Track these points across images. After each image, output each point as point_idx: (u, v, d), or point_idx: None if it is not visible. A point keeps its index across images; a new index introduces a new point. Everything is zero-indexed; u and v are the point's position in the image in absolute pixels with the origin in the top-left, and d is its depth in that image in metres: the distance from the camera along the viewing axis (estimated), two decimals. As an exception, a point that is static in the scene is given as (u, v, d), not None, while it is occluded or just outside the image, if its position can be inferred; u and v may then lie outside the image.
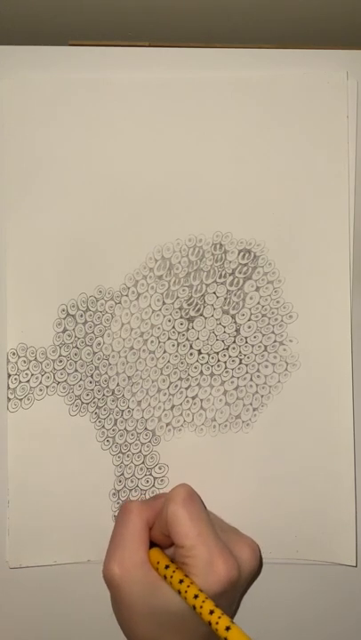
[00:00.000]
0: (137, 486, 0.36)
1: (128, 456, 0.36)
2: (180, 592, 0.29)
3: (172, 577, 0.30)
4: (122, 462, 0.36)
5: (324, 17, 0.40)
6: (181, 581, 0.29)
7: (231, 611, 0.34)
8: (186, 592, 0.29)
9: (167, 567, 0.30)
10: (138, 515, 0.32)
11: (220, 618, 0.27)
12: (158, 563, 0.31)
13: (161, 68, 0.37)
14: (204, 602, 0.28)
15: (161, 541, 0.32)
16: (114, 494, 0.36)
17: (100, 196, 0.36)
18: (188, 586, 0.29)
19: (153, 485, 0.36)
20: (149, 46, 0.37)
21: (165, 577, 0.30)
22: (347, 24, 0.41)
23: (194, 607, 0.28)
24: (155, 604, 0.30)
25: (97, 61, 0.37)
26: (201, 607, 0.28)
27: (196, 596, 0.28)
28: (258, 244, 0.36)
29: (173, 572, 0.30)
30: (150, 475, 0.36)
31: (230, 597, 0.32)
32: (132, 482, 0.36)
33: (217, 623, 0.27)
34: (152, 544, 0.32)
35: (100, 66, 0.37)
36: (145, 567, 0.31)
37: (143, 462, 0.36)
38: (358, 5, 0.39)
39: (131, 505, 0.33)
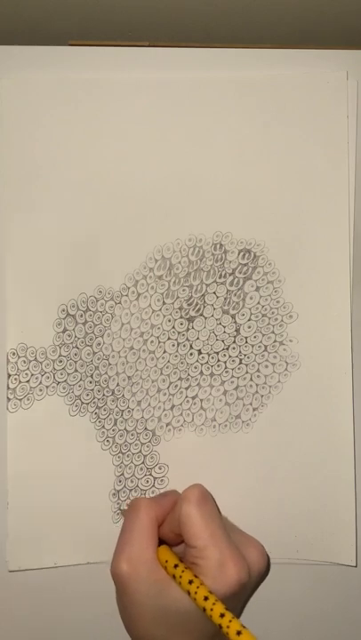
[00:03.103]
0: (137, 486, 0.36)
1: (128, 456, 0.36)
2: (189, 592, 0.29)
3: (181, 577, 0.29)
4: (122, 462, 0.36)
5: (324, 17, 0.40)
6: (191, 582, 0.29)
7: (236, 613, 0.34)
8: (196, 593, 0.28)
9: (176, 566, 0.30)
10: (147, 512, 0.32)
11: (230, 622, 0.27)
12: (167, 561, 0.31)
13: (161, 68, 0.37)
14: (214, 604, 0.28)
15: (170, 539, 0.32)
16: (114, 494, 0.36)
17: (100, 195, 0.36)
18: (198, 587, 0.29)
19: (153, 485, 0.36)
20: (149, 46, 0.37)
21: (174, 576, 0.30)
22: (347, 24, 0.41)
23: (204, 609, 0.28)
24: (162, 602, 0.30)
25: (97, 61, 0.37)
26: (211, 609, 0.27)
27: (206, 598, 0.28)
28: (258, 244, 0.36)
29: (183, 571, 0.30)
30: (150, 475, 0.36)
31: (239, 599, 0.32)
32: (132, 482, 0.36)
33: (228, 627, 0.27)
34: (160, 542, 0.32)
35: (100, 66, 0.37)
36: (153, 565, 0.31)
37: (143, 462, 0.36)
38: (358, 5, 0.39)
39: (140, 502, 0.32)
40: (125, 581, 0.30)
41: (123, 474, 0.36)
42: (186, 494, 0.31)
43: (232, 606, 0.29)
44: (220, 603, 0.28)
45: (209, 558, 0.30)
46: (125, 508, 0.36)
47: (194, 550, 0.30)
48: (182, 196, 0.36)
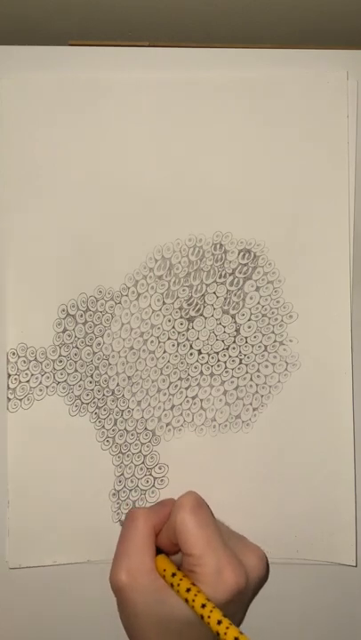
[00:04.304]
0: (137, 486, 0.36)
1: (128, 456, 0.36)
2: (187, 600, 0.29)
3: (178, 585, 0.29)
4: (122, 462, 0.36)
5: (324, 17, 0.40)
6: (188, 590, 0.29)
7: (238, 619, 0.34)
8: (193, 601, 0.28)
9: (174, 575, 0.30)
10: (144, 522, 0.32)
11: (227, 628, 0.27)
12: (165, 570, 0.31)
13: (161, 68, 0.37)
14: (211, 611, 0.28)
15: (168, 548, 0.32)
16: (114, 494, 0.36)
17: (100, 195, 0.36)
18: (196, 595, 0.29)
19: (153, 485, 0.36)
20: (149, 46, 0.37)
21: (172, 585, 0.30)
22: (347, 24, 0.41)
23: (202, 616, 0.28)
24: (162, 611, 0.30)
25: (97, 61, 0.37)
26: (209, 617, 0.28)
27: (203, 606, 0.28)
28: (258, 244, 0.36)
29: (180, 580, 0.30)
30: (150, 475, 0.36)
31: (238, 605, 0.32)
32: (131, 482, 0.36)
33: (225, 634, 0.27)
34: (158, 550, 0.32)
35: (100, 66, 0.37)
36: (152, 575, 0.31)
37: (143, 462, 0.36)
38: (358, 5, 0.39)
39: (137, 512, 0.32)
40: (125, 592, 0.30)
41: (123, 474, 0.36)
42: (180, 502, 0.31)
43: (231, 612, 0.29)
44: (217, 610, 0.28)
45: (206, 565, 0.30)
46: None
47: (191, 558, 0.30)
48: (182, 195, 0.36)
